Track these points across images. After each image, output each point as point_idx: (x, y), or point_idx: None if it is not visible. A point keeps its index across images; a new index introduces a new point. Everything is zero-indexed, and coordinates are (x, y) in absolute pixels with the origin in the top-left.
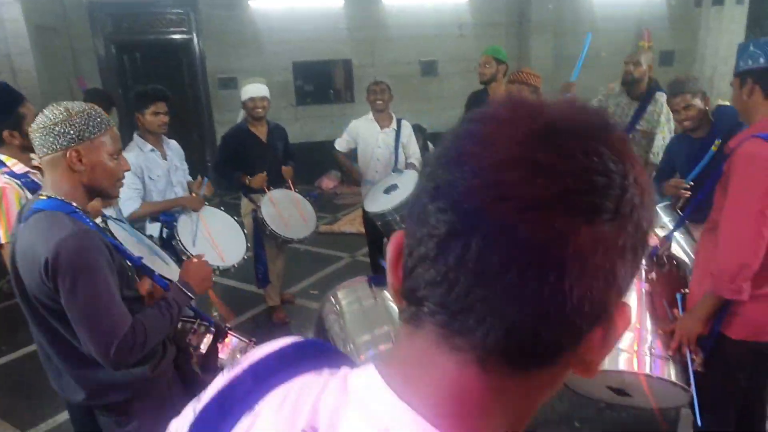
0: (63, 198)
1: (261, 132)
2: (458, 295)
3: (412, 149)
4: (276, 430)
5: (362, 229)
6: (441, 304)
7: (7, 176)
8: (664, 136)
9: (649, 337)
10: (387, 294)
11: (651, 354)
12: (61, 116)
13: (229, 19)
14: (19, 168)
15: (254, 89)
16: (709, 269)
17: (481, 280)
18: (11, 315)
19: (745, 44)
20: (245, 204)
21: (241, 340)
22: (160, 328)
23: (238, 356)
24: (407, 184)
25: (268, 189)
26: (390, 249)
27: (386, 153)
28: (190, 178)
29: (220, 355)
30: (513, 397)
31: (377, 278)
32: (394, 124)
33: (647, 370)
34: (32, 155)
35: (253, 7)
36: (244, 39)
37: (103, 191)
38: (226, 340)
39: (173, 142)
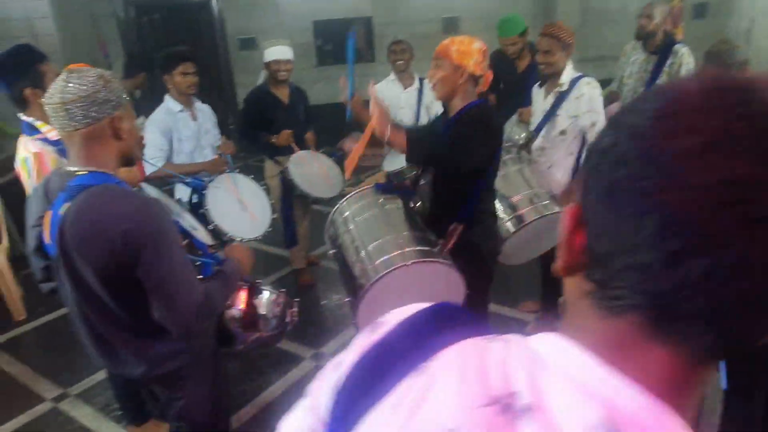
0: (102, 170)
1: (283, 94)
2: (689, 309)
3: (436, 109)
4: (463, 395)
5: None
6: (661, 308)
7: (42, 142)
8: None
9: None
10: (398, 201)
11: None
12: (100, 83)
13: None
14: (54, 134)
15: (279, 51)
16: None
17: (724, 300)
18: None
19: None
20: (270, 166)
21: (273, 292)
22: (221, 299)
23: (275, 309)
24: None
25: (295, 148)
26: (565, 223)
27: (409, 114)
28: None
29: (259, 311)
30: (700, 386)
31: (384, 186)
32: (416, 84)
33: None
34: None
35: None
36: None
37: (134, 157)
38: (260, 295)
39: (205, 106)
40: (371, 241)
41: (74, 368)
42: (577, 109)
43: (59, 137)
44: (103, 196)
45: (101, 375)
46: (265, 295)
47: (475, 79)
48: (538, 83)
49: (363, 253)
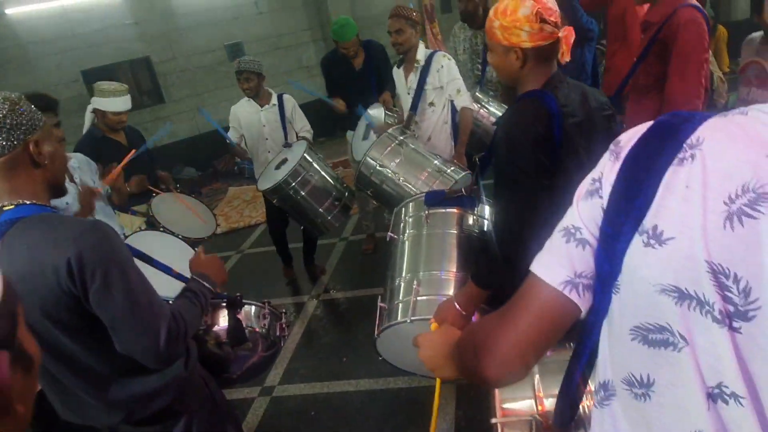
0: (33, 201)
1: (120, 137)
2: None
3: (301, 123)
4: (740, 154)
5: (232, 225)
6: None
7: None
8: None
9: None
10: (447, 220)
11: None
12: (5, 107)
13: None
14: None
15: (121, 103)
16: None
17: None
18: None
19: None
20: (127, 221)
21: (257, 305)
22: (194, 317)
23: (262, 323)
24: (296, 154)
25: (153, 191)
26: None
27: (272, 130)
28: None
29: (248, 325)
30: None
31: (431, 196)
32: (274, 100)
33: None
34: None
35: (14, 18)
36: (12, 55)
37: (61, 185)
38: (244, 309)
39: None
40: (409, 269)
41: None
42: (440, 81)
43: None
44: (40, 225)
45: None
46: (248, 309)
47: (541, 51)
48: (396, 64)
49: (397, 281)
